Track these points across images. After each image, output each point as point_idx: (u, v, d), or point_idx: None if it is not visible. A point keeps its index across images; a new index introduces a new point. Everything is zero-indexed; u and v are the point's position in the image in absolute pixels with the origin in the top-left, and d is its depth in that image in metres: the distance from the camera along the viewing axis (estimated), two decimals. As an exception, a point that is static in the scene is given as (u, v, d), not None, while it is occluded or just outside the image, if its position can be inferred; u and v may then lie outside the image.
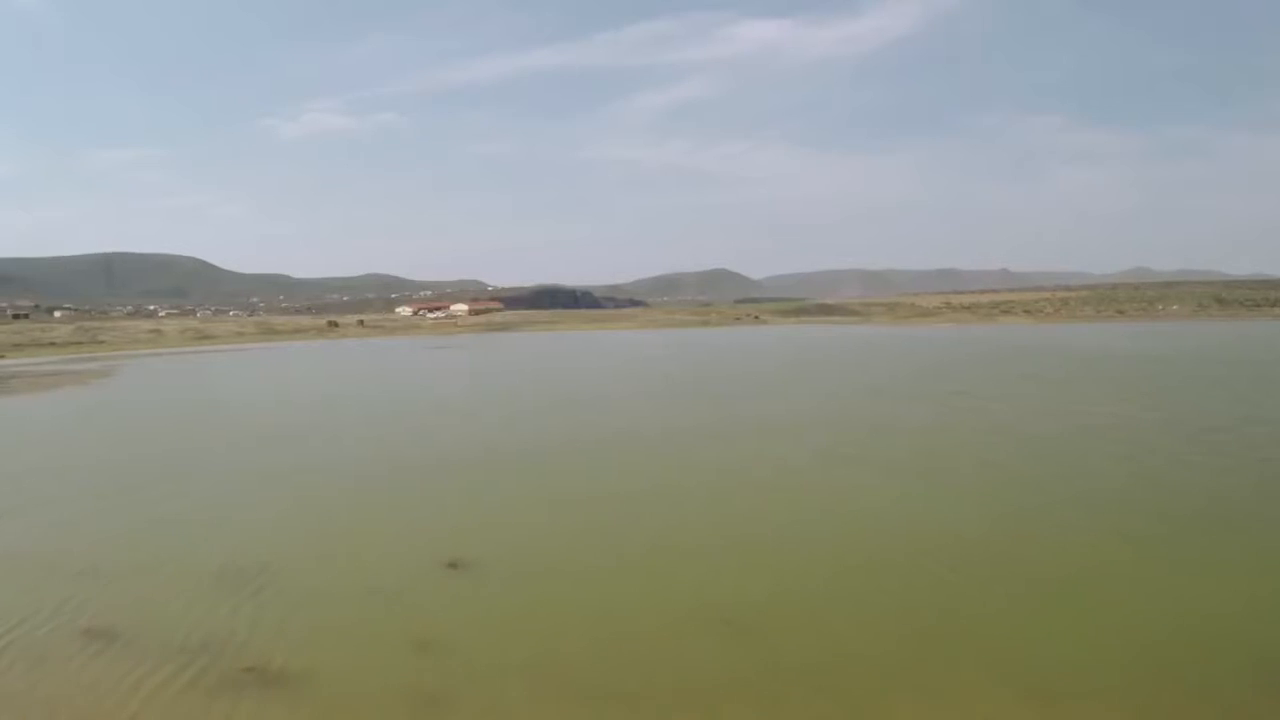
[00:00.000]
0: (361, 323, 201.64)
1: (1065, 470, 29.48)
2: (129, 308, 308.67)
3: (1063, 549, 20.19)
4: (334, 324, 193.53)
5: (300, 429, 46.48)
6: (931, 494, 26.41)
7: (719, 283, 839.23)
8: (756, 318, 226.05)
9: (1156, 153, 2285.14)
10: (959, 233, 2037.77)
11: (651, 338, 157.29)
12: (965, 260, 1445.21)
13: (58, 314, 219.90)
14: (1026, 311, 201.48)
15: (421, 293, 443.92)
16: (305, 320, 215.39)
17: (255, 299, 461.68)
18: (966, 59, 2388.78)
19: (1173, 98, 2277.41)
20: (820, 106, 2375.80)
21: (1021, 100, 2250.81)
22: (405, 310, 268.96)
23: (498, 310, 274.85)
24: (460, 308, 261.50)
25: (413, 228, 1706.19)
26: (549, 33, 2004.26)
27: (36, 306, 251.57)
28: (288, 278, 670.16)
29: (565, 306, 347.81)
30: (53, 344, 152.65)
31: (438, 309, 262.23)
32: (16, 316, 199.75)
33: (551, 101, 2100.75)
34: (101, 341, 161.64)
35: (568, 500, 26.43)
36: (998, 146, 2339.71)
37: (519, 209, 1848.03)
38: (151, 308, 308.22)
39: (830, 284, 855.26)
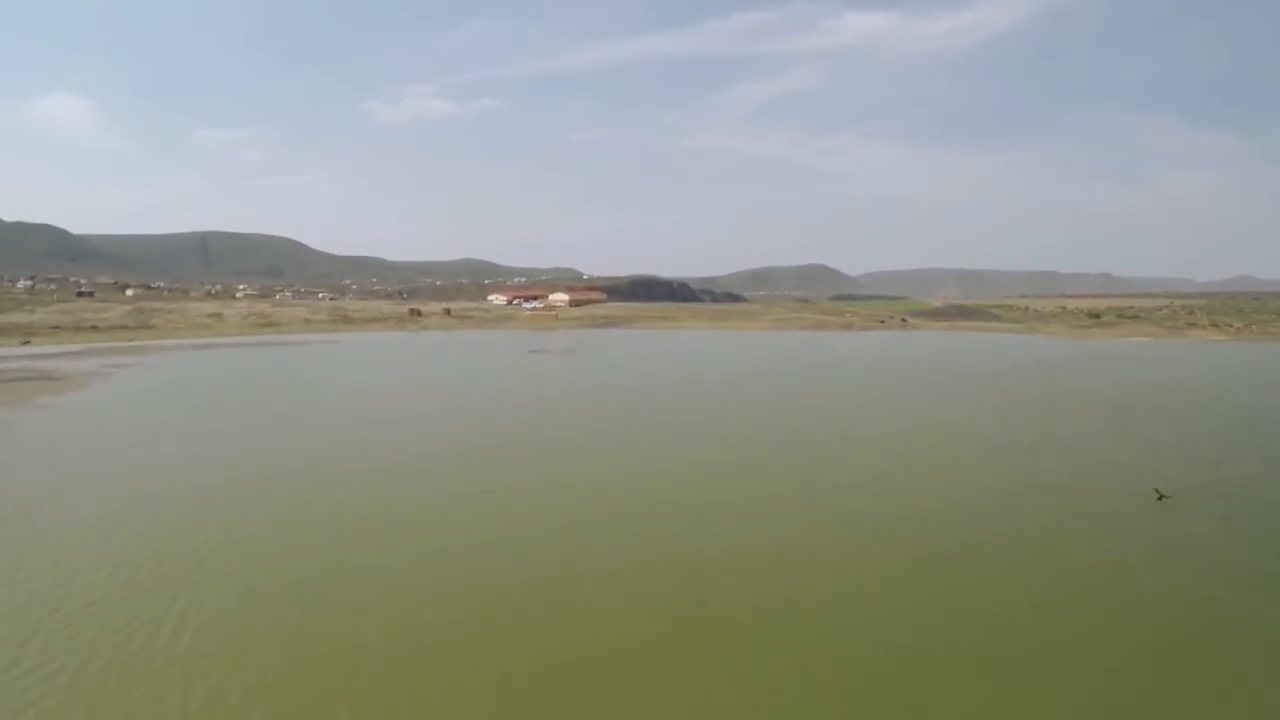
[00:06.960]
0: (448, 312, 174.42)
1: None
2: (217, 287, 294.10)
3: None
4: (416, 313, 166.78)
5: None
6: None
7: (815, 278, 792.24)
8: (905, 320, 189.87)
9: (1261, 158, 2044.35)
10: (1059, 234, 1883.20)
11: (838, 344, 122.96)
12: (1065, 263, 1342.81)
13: (129, 292, 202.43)
14: (1214, 325, 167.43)
15: (515, 279, 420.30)
16: (385, 307, 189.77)
17: (348, 281, 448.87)
18: (1073, 56, 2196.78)
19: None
20: (922, 101, 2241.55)
21: (1129, 100, 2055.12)
22: (498, 299, 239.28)
23: (600, 301, 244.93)
24: (560, 297, 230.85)
25: (509, 214, 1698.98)
26: (649, 21, 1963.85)
27: (114, 283, 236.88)
28: (381, 261, 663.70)
29: (662, 298, 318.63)
30: (94, 328, 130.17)
31: (534, 298, 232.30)
32: (80, 294, 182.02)
33: (649, 90, 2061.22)
34: (152, 326, 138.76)
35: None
36: (1103, 147, 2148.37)
37: (614, 198, 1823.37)
38: (242, 287, 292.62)
39: (927, 283, 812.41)
